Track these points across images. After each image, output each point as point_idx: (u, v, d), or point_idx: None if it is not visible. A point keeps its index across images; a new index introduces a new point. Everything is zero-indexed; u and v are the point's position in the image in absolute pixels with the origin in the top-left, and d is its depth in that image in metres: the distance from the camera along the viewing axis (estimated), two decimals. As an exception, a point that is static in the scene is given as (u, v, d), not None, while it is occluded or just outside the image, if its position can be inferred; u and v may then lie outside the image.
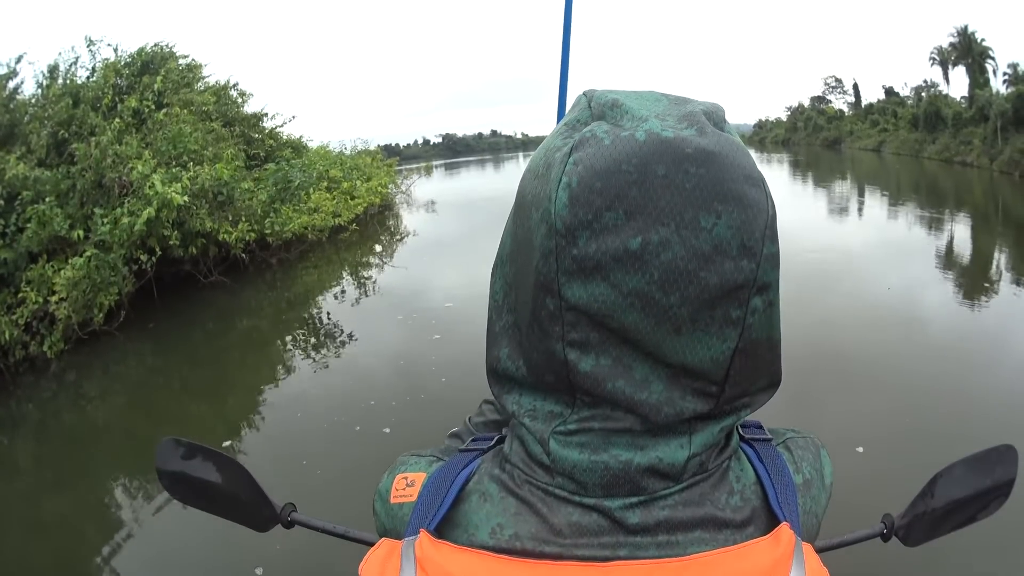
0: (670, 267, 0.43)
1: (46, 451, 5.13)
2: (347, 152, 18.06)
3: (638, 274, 0.43)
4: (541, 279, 0.46)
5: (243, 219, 9.41)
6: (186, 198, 7.82)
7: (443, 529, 0.53)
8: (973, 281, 7.96)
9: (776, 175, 26.58)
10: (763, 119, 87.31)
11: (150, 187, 7.53)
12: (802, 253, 8.84)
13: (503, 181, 34.53)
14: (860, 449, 3.62)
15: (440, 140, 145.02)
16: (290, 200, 10.51)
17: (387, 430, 4.45)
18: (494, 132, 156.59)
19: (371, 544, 0.53)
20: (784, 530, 0.48)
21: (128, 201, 7.68)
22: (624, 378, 0.47)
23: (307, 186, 10.92)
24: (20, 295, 6.73)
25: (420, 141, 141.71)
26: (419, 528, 0.51)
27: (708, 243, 0.43)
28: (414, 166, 29.11)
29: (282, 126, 13.97)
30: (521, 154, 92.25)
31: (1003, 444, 0.71)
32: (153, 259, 7.88)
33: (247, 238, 9.49)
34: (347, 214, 13.10)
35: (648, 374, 0.47)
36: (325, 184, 13.20)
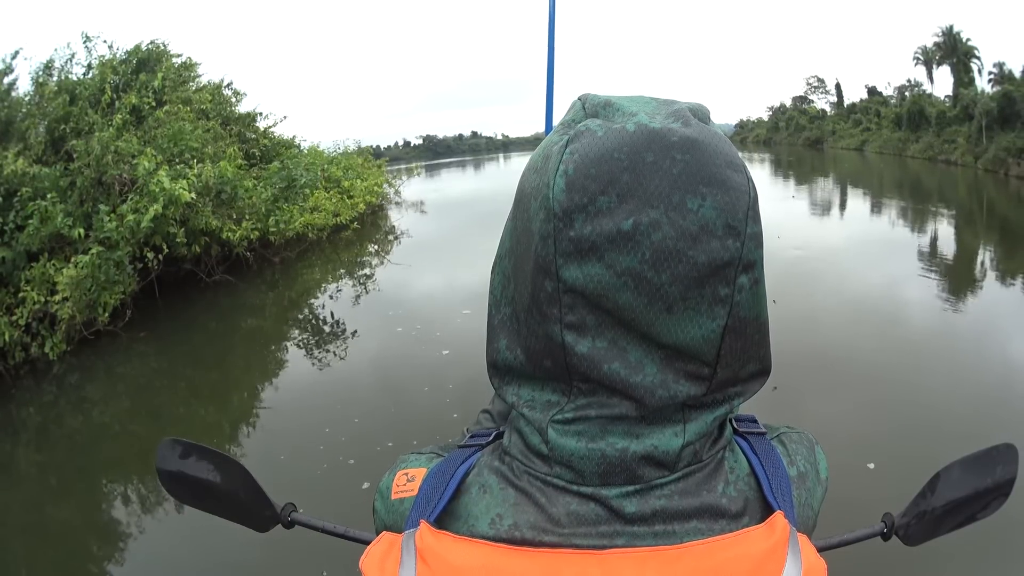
0: (660, 247, 0.45)
1: (48, 456, 5.01)
2: (340, 152, 18.03)
3: (631, 254, 0.45)
4: (540, 262, 0.48)
5: (246, 217, 9.31)
6: (193, 195, 7.68)
7: (444, 521, 0.54)
8: (962, 278, 8.11)
9: (758, 174, 26.79)
10: (745, 119, 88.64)
11: (156, 183, 7.36)
12: (786, 251, 8.94)
13: (486, 182, 34.85)
14: (871, 465, 3.56)
15: (421, 142, 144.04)
16: (293, 199, 10.42)
17: (365, 484, 3.87)
18: (475, 133, 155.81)
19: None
20: (778, 519, 0.49)
21: (131, 198, 7.51)
22: (619, 360, 0.48)
23: (311, 185, 10.85)
24: (20, 295, 6.52)
25: (401, 143, 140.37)
26: (419, 520, 0.52)
27: (695, 223, 0.45)
28: (397, 167, 29.13)
29: (274, 126, 13.87)
30: (502, 155, 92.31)
31: (1003, 443, 0.71)
32: (159, 257, 7.73)
33: (250, 236, 9.39)
34: (347, 213, 13.12)
35: (642, 357, 0.48)
36: (323, 183, 13.14)
